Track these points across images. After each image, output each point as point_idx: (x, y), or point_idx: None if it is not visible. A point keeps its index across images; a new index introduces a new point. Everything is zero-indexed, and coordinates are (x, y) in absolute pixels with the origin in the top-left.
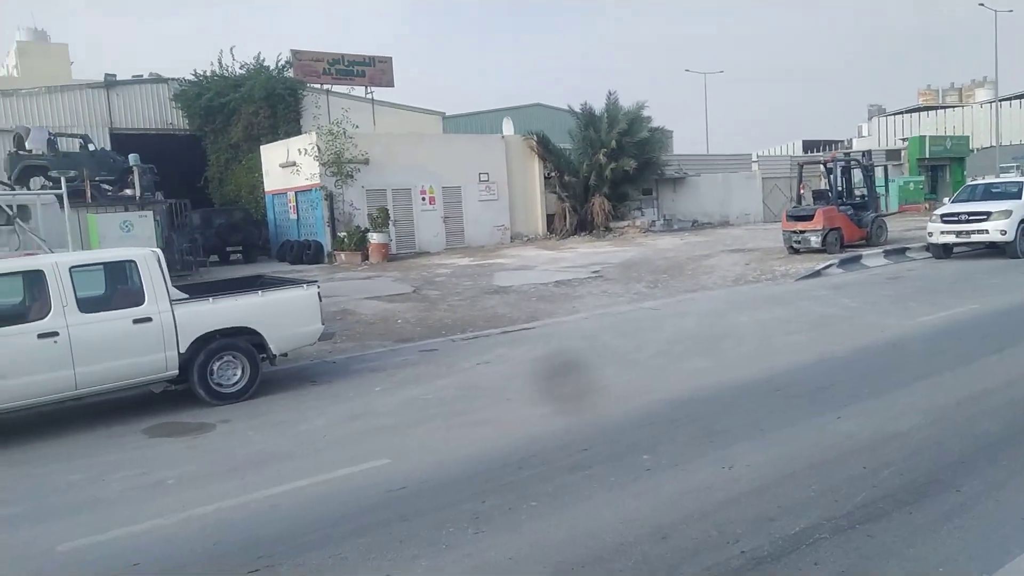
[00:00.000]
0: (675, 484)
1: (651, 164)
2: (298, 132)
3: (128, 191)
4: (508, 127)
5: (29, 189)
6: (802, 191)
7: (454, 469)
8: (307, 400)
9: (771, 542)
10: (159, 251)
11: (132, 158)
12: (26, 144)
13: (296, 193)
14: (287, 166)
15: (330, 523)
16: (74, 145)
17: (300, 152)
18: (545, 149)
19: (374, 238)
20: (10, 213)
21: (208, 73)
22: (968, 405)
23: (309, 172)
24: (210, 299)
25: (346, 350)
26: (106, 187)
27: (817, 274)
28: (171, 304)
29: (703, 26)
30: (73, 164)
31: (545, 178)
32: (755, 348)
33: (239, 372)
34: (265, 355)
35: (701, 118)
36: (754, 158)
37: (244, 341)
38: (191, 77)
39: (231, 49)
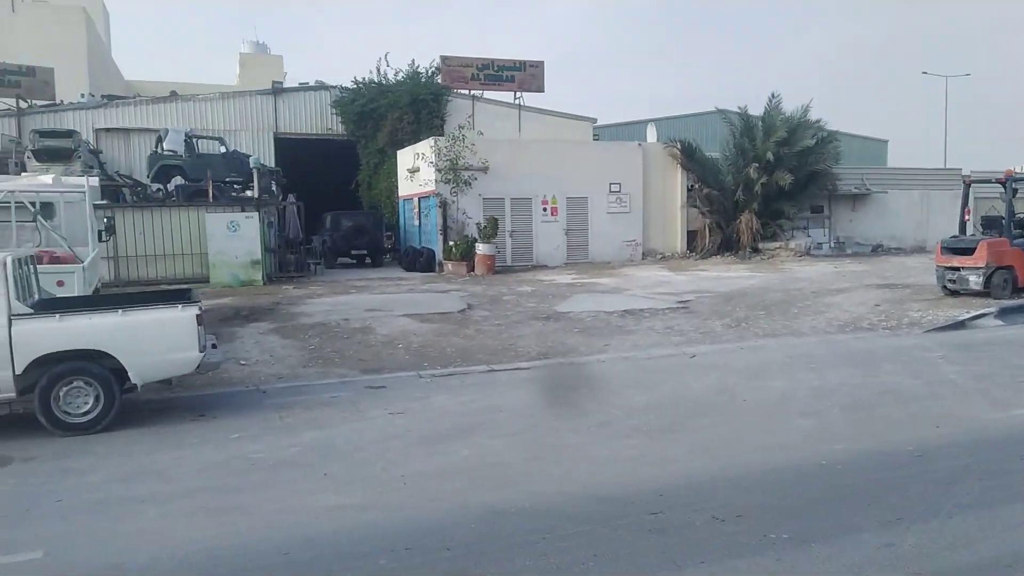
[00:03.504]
0: None
1: (817, 177)
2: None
3: (249, 192)
4: (651, 134)
5: (165, 188)
6: (967, 217)
7: None
8: (147, 441)
9: None
10: (10, 257)
11: (252, 160)
12: (164, 145)
13: (419, 199)
14: (413, 172)
15: None
16: (212, 147)
17: (420, 157)
18: (689, 158)
19: (480, 249)
20: (33, 210)
21: (365, 80)
22: None
23: (427, 178)
24: (56, 316)
25: (300, 376)
26: (236, 187)
27: (960, 325)
28: (9, 319)
29: (941, 23)
30: (205, 165)
31: (688, 190)
32: (726, 432)
33: (91, 400)
34: (128, 383)
35: (931, 127)
36: (966, 172)
37: (99, 366)
38: (351, 84)
39: (386, 56)
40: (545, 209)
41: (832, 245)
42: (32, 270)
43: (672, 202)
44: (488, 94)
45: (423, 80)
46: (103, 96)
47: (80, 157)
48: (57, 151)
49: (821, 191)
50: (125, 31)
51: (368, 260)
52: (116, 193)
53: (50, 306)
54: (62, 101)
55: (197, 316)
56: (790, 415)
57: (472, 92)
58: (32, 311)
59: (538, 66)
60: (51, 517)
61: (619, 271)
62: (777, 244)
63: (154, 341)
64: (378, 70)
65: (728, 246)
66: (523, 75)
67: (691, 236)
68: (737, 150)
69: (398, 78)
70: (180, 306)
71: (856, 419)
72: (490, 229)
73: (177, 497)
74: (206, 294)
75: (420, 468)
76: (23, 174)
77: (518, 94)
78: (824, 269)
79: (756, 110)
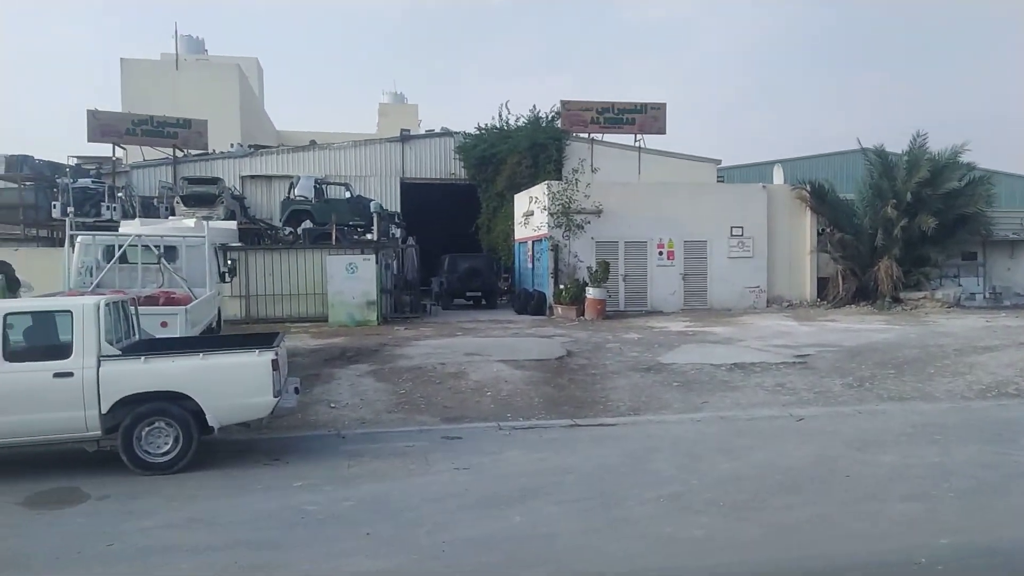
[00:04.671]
0: None
1: (967, 221)
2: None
3: (369, 235)
4: (778, 176)
5: (295, 231)
6: None
7: None
8: (215, 485)
9: None
10: (102, 301)
11: (373, 205)
12: (295, 190)
13: (532, 242)
14: (527, 215)
15: None
16: (339, 192)
17: (533, 201)
18: (819, 201)
19: (591, 293)
20: (157, 253)
21: (488, 126)
22: None
23: (540, 221)
24: (141, 358)
25: (382, 422)
26: (359, 230)
27: None
28: (98, 360)
29: None
30: (331, 209)
31: (818, 234)
32: (813, 514)
33: (170, 441)
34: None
35: None
36: None
37: (179, 407)
38: (474, 130)
39: (506, 103)
40: (661, 253)
41: (986, 296)
42: (132, 312)
43: (800, 247)
44: (608, 137)
45: (543, 125)
46: (250, 146)
47: (223, 202)
48: (203, 196)
49: (973, 236)
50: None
51: (483, 302)
52: (257, 235)
53: (146, 348)
54: (213, 151)
55: (272, 361)
56: (895, 497)
57: (591, 135)
58: (120, 353)
59: (660, 108)
60: (95, 562)
61: (738, 319)
62: (922, 294)
63: (230, 385)
64: (499, 116)
65: (864, 295)
66: (644, 117)
67: (822, 283)
68: (874, 191)
69: (519, 123)
70: (257, 351)
71: (974, 507)
72: (601, 273)
73: (217, 549)
74: (322, 333)
75: (466, 534)
76: (170, 218)
77: (639, 137)
78: (973, 323)
79: (895, 149)
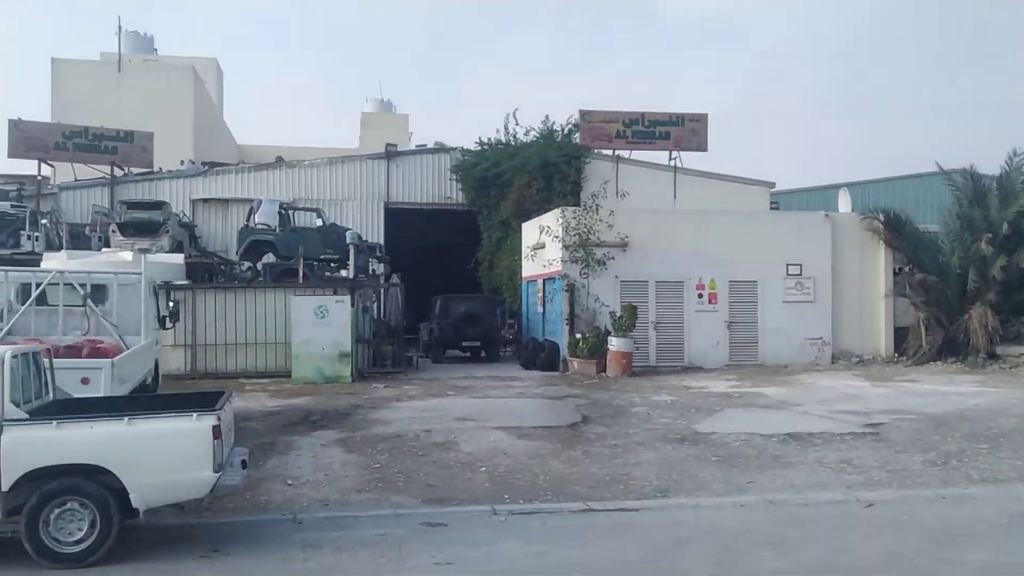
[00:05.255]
0: None
1: None
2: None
3: (344, 272)
4: (844, 202)
5: (254, 266)
6: None
7: None
8: None
9: None
10: (8, 353)
11: (349, 235)
12: (255, 217)
13: (543, 281)
14: (536, 248)
15: None
16: (309, 219)
17: (545, 231)
18: (896, 233)
19: (614, 344)
20: (82, 292)
21: (491, 140)
22: None
23: (552, 256)
24: (53, 423)
25: (349, 503)
26: (332, 265)
27: None
28: (0, 424)
29: None
30: (299, 240)
31: (894, 274)
32: None
33: (85, 526)
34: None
35: None
36: None
37: (96, 485)
38: (474, 146)
39: (514, 113)
40: (701, 295)
41: None
42: (45, 366)
43: (872, 290)
44: (637, 155)
45: (557, 139)
46: (204, 163)
47: (168, 231)
48: (144, 224)
49: None
50: (241, 90)
51: (482, 354)
52: (208, 271)
53: (59, 410)
54: (160, 169)
55: (214, 427)
56: None
57: (616, 152)
58: (27, 416)
59: (700, 120)
60: None
61: (796, 378)
62: None
63: (161, 457)
64: (505, 128)
65: (952, 349)
66: (681, 131)
67: (900, 335)
68: (963, 223)
69: (529, 138)
70: (195, 415)
71: None
72: (627, 319)
73: None
74: (283, 391)
75: None
76: (104, 250)
77: (674, 154)
78: None
79: (984, 169)
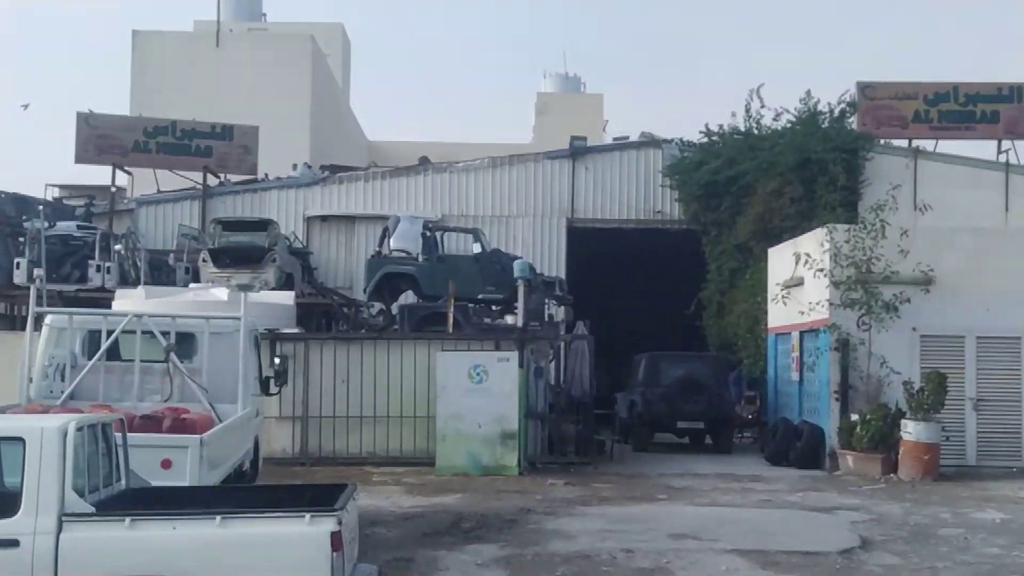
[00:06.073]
0: None
1: None
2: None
3: (509, 318)
4: None
5: (388, 308)
6: None
7: None
8: None
9: None
10: (72, 424)
11: (518, 266)
12: (390, 241)
13: (800, 334)
14: (789, 286)
15: None
16: (463, 244)
17: (803, 261)
18: None
19: (910, 431)
20: (164, 344)
21: (723, 129)
22: None
23: (814, 297)
24: (126, 520)
25: None
26: (493, 308)
27: None
28: (59, 520)
29: None
30: (449, 273)
31: None
32: None
33: None
34: None
35: None
36: None
37: None
38: (698, 137)
39: (757, 89)
40: None
41: None
42: (117, 443)
43: None
44: (945, 146)
45: (823, 125)
46: (322, 167)
47: (276, 260)
48: (245, 251)
49: None
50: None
51: (707, 439)
52: (327, 315)
53: (134, 502)
54: (266, 176)
55: (332, 535)
56: None
57: (914, 143)
58: (93, 510)
59: None
60: None
61: None
62: None
63: (262, 571)
64: (746, 111)
65: None
66: (1015, 110)
67: None
68: None
69: (780, 123)
70: (308, 516)
71: None
72: (932, 394)
73: None
74: (425, 486)
75: None
76: (192, 285)
77: (1006, 144)
78: None
79: None
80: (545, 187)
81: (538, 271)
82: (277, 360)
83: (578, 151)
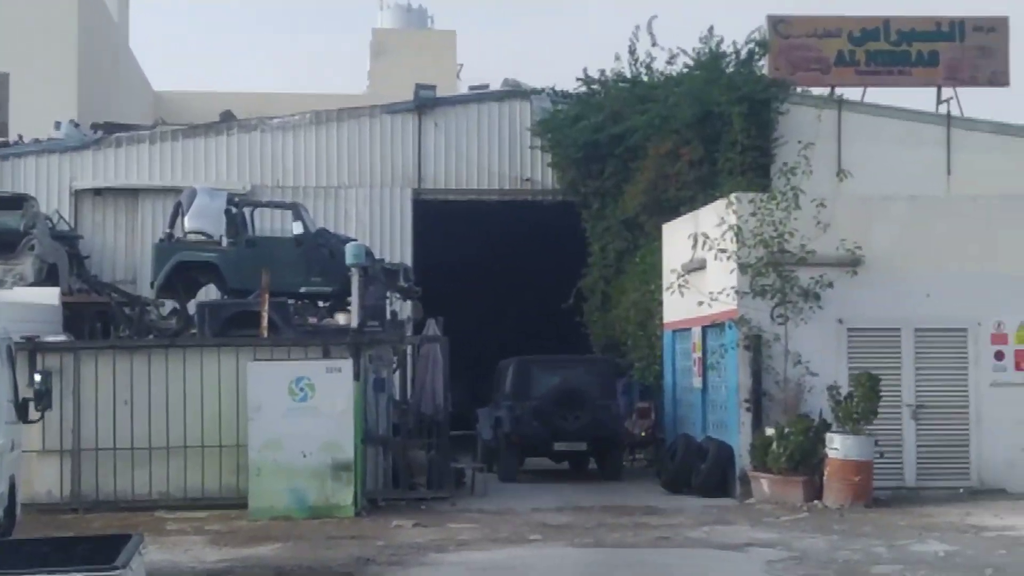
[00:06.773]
0: None
1: None
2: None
3: (340, 317)
4: None
5: (183, 306)
6: None
7: None
8: None
9: None
10: None
11: (350, 252)
12: (185, 220)
13: (702, 331)
14: (688, 271)
15: None
16: (280, 223)
17: (702, 241)
18: None
19: (837, 447)
20: None
21: (605, 76)
22: None
23: (718, 284)
24: None
25: None
26: (320, 304)
27: None
28: None
29: None
30: (262, 260)
31: None
32: None
33: None
34: None
35: None
36: None
37: None
38: (574, 86)
39: (649, 23)
40: (1001, 356)
41: None
42: None
43: None
44: (874, 95)
45: (728, 69)
46: (94, 125)
47: (34, 248)
48: None
49: None
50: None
51: (592, 463)
52: (103, 315)
53: None
54: (19, 137)
55: None
56: None
57: (837, 91)
58: None
59: (995, 29)
60: None
61: None
62: None
63: None
64: (631, 53)
65: None
66: (958, 50)
67: None
68: None
69: (675, 68)
70: None
71: None
72: (862, 400)
73: None
74: (236, 533)
75: None
76: None
77: (945, 91)
78: None
79: None
80: (384, 149)
81: (377, 256)
82: (38, 377)
83: (425, 103)
